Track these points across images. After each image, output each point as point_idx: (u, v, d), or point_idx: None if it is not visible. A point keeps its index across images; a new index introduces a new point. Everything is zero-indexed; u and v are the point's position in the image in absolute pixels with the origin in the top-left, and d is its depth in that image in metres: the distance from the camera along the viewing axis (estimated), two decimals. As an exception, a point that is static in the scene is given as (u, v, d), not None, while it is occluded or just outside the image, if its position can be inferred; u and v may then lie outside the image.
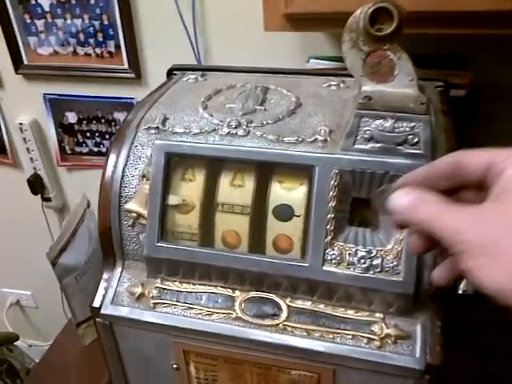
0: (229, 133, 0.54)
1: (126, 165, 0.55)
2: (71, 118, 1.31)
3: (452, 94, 0.97)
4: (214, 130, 0.55)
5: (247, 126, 0.55)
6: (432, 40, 0.89)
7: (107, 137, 1.32)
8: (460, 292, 0.50)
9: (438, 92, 0.60)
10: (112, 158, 0.56)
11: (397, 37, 0.47)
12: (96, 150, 1.35)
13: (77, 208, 0.96)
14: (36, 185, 1.40)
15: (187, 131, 0.55)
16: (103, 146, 1.33)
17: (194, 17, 1.06)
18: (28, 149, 1.36)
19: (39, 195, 1.42)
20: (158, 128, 0.56)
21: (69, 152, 1.36)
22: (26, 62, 1.24)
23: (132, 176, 0.55)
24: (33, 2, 1.14)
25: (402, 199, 0.33)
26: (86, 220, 0.96)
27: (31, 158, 1.38)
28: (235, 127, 0.55)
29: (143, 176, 0.55)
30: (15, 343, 1.33)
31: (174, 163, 0.54)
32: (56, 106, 1.30)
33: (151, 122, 0.57)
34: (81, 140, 1.34)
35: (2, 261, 1.63)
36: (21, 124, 1.32)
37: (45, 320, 1.76)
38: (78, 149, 1.36)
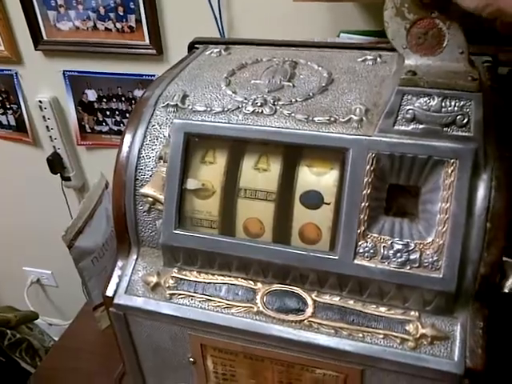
0: (254, 111, 0.50)
1: (142, 145, 0.51)
2: (91, 95, 1.28)
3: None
4: (238, 108, 0.51)
5: (274, 104, 0.50)
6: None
7: (127, 115, 1.28)
8: (506, 291, 0.45)
9: (486, 68, 0.54)
10: (127, 138, 0.52)
11: (447, 3, 0.41)
12: (116, 128, 1.31)
13: (94, 189, 0.93)
14: (56, 164, 1.38)
15: (208, 109, 0.51)
16: (123, 124, 1.30)
17: (217, -12, 1.00)
18: (47, 127, 1.34)
19: (59, 174, 1.41)
20: (176, 106, 0.52)
21: (88, 131, 1.34)
22: (45, 38, 1.21)
23: (148, 158, 0.51)
24: (52, -26, 1.10)
25: None
26: (104, 201, 0.93)
27: (50, 137, 1.35)
28: (261, 105, 0.50)
29: (160, 158, 0.51)
30: (35, 322, 1.33)
31: (194, 144, 0.50)
32: (76, 83, 1.27)
33: (170, 100, 0.53)
34: (101, 119, 1.31)
35: (22, 240, 1.63)
36: (40, 102, 1.29)
37: (65, 299, 1.76)
38: (97, 127, 1.33)
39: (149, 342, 0.55)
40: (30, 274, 1.74)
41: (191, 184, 0.50)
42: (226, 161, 0.50)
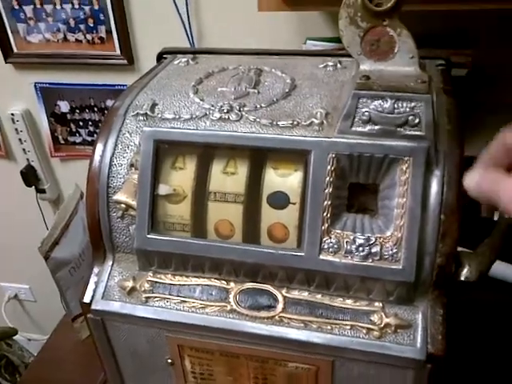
0: (220, 118, 0.52)
1: (113, 154, 0.53)
2: (63, 107, 1.29)
3: (453, 73, 0.94)
4: (205, 115, 0.53)
5: (240, 111, 0.52)
6: (432, 18, 0.86)
7: (100, 126, 1.29)
8: (462, 279, 0.48)
9: (439, 71, 0.58)
10: (99, 146, 0.54)
11: (397, 12, 0.44)
12: (90, 139, 1.32)
13: (69, 200, 0.94)
14: (29, 176, 1.38)
15: (177, 117, 0.53)
16: (97, 135, 1.31)
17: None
18: (20, 139, 1.34)
19: (33, 187, 1.40)
20: (146, 114, 0.54)
21: (62, 142, 1.34)
22: (15, 51, 1.21)
23: (120, 165, 0.53)
24: (20, -12, 1.11)
25: (467, 179, 0.39)
26: (80, 211, 0.94)
27: (24, 149, 1.36)
28: (227, 112, 0.52)
29: (132, 165, 0.52)
30: (14, 338, 1.31)
31: (164, 151, 0.52)
32: (48, 95, 1.27)
33: (139, 109, 0.54)
34: (74, 129, 1.32)
35: (-2, 254, 1.62)
36: (12, 114, 1.30)
37: (43, 313, 1.75)
38: (71, 138, 1.33)
39: (127, 346, 0.57)
40: (7, 289, 1.72)
41: (162, 190, 0.52)
42: (195, 166, 0.52)
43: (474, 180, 0.39)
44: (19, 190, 1.41)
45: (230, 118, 0.52)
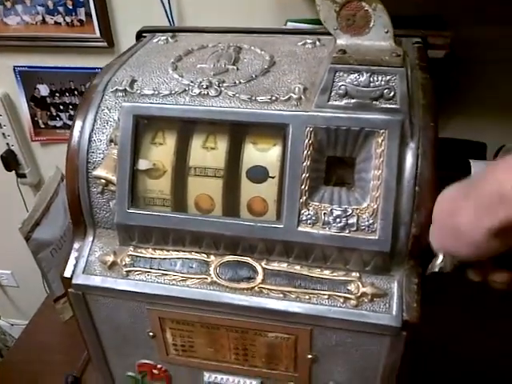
0: (200, 93, 0.52)
1: (92, 129, 0.53)
2: (43, 90, 1.26)
3: (431, 55, 0.95)
4: (185, 90, 0.53)
5: (219, 86, 0.53)
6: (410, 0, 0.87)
7: (81, 109, 1.28)
8: (436, 270, 0.48)
9: (415, 48, 0.59)
10: (78, 123, 0.54)
11: (372, -14, 0.45)
12: (70, 123, 1.31)
13: (50, 181, 0.94)
14: (10, 161, 1.36)
15: (156, 93, 0.53)
16: (75, 112, 1.29)
17: (166, -20, 1.02)
18: (0, 124, 1.32)
19: (13, 172, 1.39)
20: (125, 90, 0.54)
21: (42, 126, 1.32)
22: (-8, 33, 1.19)
23: (100, 141, 0.53)
24: (-4, -32, 1.09)
25: None
26: (61, 194, 0.94)
27: (3, 134, 1.33)
28: (206, 87, 0.53)
29: (111, 141, 0.52)
30: (-4, 323, 1.31)
31: (143, 126, 0.52)
32: (27, 78, 1.25)
33: (118, 85, 0.55)
34: (54, 113, 1.30)
35: (-21, 241, 1.60)
36: (-9, 98, 1.27)
37: (26, 299, 1.73)
38: (51, 123, 1.32)
39: (109, 320, 0.57)
40: (-11, 275, 1.71)
41: (142, 164, 0.52)
42: (175, 141, 0.52)
43: None
44: (0, 175, 1.39)
45: (210, 93, 0.52)
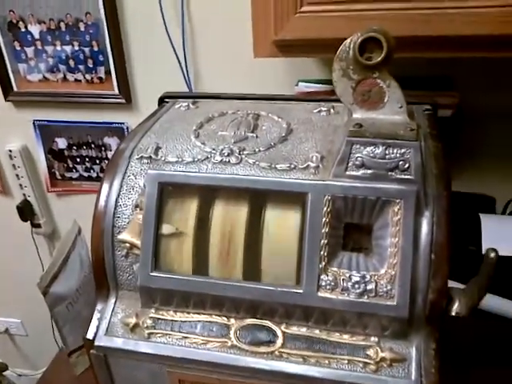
0: (221, 161, 0.55)
1: (119, 195, 0.55)
2: (61, 143, 1.31)
3: (439, 114, 0.99)
4: (207, 158, 0.56)
5: (240, 154, 0.55)
6: (420, 62, 0.91)
7: (97, 162, 1.32)
8: (453, 314, 0.50)
9: (426, 116, 0.61)
10: (105, 188, 0.56)
11: (386, 65, 0.48)
12: (86, 175, 1.35)
13: (68, 235, 0.95)
14: (25, 211, 1.39)
15: (180, 160, 0.56)
16: (93, 170, 1.33)
17: (183, 42, 1.07)
18: (17, 175, 1.36)
19: (28, 222, 1.42)
20: (150, 157, 0.57)
21: (59, 178, 1.36)
22: (15, 89, 1.25)
23: (125, 206, 0.55)
24: (23, 30, 1.15)
25: None
26: (77, 247, 0.95)
27: (20, 185, 1.37)
28: (228, 155, 0.55)
29: (136, 206, 0.55)
30: (4, 373, 1.30)
31: (168, 192, 0.55)
32: (46, 132, 1.30)
33: (144, 152, 0.57)
34: (71, 165, 1.34)
35: (-10, 288, 1.61)
36: (10, 151, 1.32)
37: (35, 348, 1.73)
38: (67, 174, 1.36)
39: (129, 381, 0.58)
40: (-2, 323, 1.71)
41: (166, 229, 0.54)
42: (197, 207, 0.54)
43: None
44: (15, 225, 1.42)
45: (231, 161, 0.55)
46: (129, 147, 0.59)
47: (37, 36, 1.16)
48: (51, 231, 1.46)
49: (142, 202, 0.54)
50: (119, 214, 0.55)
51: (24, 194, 1.38)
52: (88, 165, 1.33)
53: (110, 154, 1.29)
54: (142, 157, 0.57)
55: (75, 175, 1.35)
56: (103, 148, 1.29)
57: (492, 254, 0.46)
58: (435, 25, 0.67)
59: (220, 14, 1.04)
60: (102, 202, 0.56)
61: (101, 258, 0.55)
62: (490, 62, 0.88)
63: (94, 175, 1.34)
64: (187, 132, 0.60)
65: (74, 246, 0.95)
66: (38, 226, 1.43)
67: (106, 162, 1.31)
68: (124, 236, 0.54)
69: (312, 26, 0.70)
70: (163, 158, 0.56)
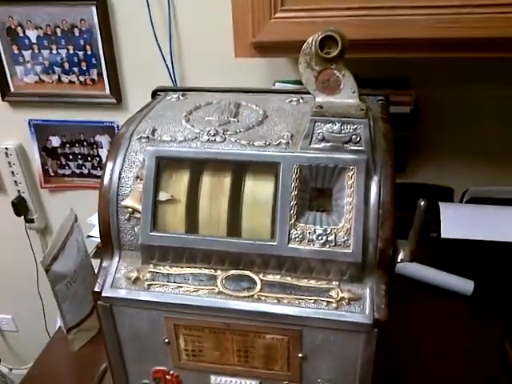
0: (208, 140, 0.66)
1: (122, 168, 0.66)
2: (55, 141, 1.40)
3: (399, 110, 1.13)
4: (196, 137, 0.66)
5: (223, 134, 0.66)
6: (380, 65, 1.04)
7: (89, 159, 1.41)
8: (399, 261, 0.61)
9: (379, 104, 0.73)
10: (109, 164, 0.67)
11: (341, 58, 0.60)
12: (78, 171, 1.43)
13: (65, 222, 1.04)
14: (20, 207, 1.47)
15: (173, 139, 0.66)
16: (85, 167, 1.42)
17: (170, 47, 1.18)
18: (13, 172, 1.44)
19: (22, 217, 1.49)
20: (148, 137, 0.67)
21: (52, 174, 1.45)
22: (12, 90, 1.33)
23: (128, 178, 0.65)
24: (21, 35, 1.25)
25: None
26: (74, 233, 1.04)
27: (15, 181, 1.45)
28: (213, 135, 0.66)
29: (137, 177, 0.65)
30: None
31: (164, 165, 0.65)
32: (40, 130, 1.39)
33: (142, 133, 0.68)
34: (64, 162, 1.43)
35: (-18, 283, 1.66)
36: (6, 149, 1.40)
37: (26, 344, 1.77)
38: (60, 171, 1.44)
39: (130, 330, 0.67)
40: (-11, 319, 1.75)
41: (162, 196, 0.64)
42: (188, 177, 0.65)
43: None
44: (9, 220, 1.49)
45: (216, 139, 0.66)
46: (129, 130, 0.69)
47: (34, 40, 1.25)
48: (44, 226, 1.53)
49: (142, 174, 0.64)
50: (123, 184, 0.65)
51: (18, 191, 1.46)
52: (80, 162, 1.42)
53: (101, 152, 1.38)
54: (141, 137, 0.67)
55: (68, 172, 1.44)
56: (95, 146, 1.38)
57: (422, 203, 0.58)
58: (390, 29, 0.80)
59: (204, 21, 1.15)
60: (107, 175, 0.66)
61: (107, 222, 0.65)
62: (443, 61, 1.00)
63: (86, 172, 1.43)
64: (179, 117, 0.71)
65: (71, 232, 1.04)
66: (32, 220, 1.51)
67: (98, 159, 1.40)
68: (127, 202, 0.64)
69: (285, 29, 0.82)
70: (159, 138, 0.67)
